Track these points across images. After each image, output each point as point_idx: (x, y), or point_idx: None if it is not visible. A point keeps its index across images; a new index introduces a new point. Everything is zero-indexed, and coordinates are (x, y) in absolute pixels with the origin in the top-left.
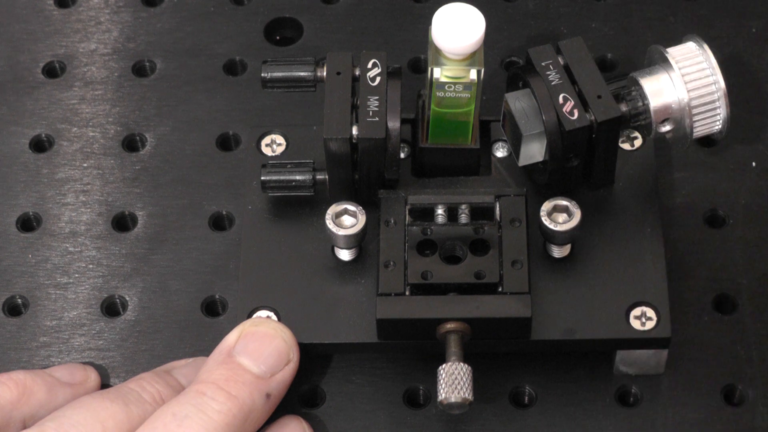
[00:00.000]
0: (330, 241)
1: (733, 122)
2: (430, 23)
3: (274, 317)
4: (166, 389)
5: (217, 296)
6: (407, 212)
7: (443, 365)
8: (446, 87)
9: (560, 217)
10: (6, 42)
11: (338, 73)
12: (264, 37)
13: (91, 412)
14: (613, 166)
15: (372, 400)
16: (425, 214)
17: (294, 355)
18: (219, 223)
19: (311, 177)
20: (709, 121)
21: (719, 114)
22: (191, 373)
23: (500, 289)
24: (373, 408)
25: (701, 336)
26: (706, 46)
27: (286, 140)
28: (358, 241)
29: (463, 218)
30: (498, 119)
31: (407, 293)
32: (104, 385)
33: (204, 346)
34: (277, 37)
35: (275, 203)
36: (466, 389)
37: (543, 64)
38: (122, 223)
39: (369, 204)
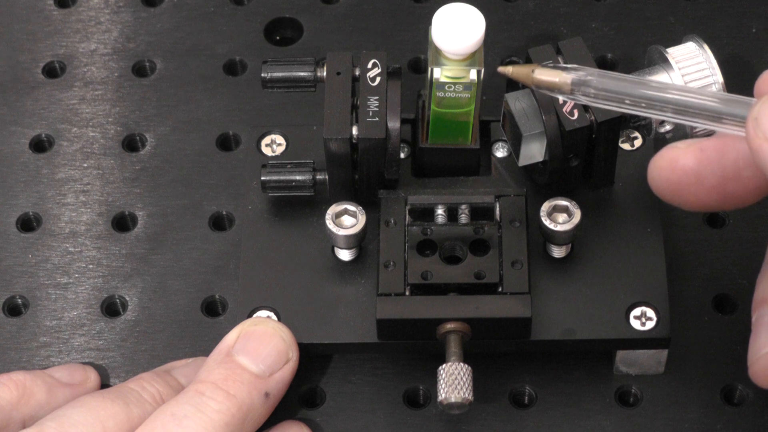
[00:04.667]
0: (330, 241)
1: None
2: (430, 23)
3: (274, 317)
4: (166, 389)
5: (217, 296)
6: (407, 212)
7: (443, 365)
8: (446, 87)
9: (560, 217)
10: (6, 42)
11: (338, 73)
12: (264, 37)
13: (92, 411)
14: (613, 166)
15: (372, 400)
16: (425, 214)
17: (293, 354)
18: (219, 223)
19: (311, 177)
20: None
21: None
22: (191, 373)
23: (500, 289)
24: (373, 408)
25: (701, 336)
26: (706, 46)
27: (286, 140)
28: (358, 241)
29: (463, 218)
30: (498, 119)
31: (407, 293)
32: (104, 385)
33: (204, 346)
34: (277, 37)
35: (275, 203)
36: (466, 389)
37: (543, 64)
38: (122, 223)
39: (369, 204)
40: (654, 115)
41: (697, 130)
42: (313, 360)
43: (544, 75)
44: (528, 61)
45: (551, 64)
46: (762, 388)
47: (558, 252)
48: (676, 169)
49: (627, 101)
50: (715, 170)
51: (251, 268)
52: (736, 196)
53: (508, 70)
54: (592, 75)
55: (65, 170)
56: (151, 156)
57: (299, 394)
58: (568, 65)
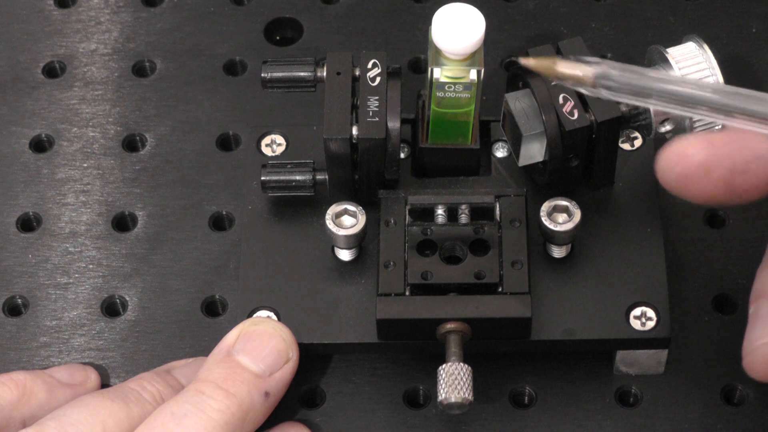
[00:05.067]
0: (330, 241)
1: None
2: (430, 23)
3: (274, 317)
4: (166, 389)
5: (217, 296)
6: (407, 212)
7: (443, 365)
8: (446, 87)
9: (560, 217)
10: (6, 42)
11: (338, 73)
12: (264, 37)
13: (92, 411)
14: (613, 166)
15: (372, 400)
16: (425, 214)
17: (293, 354)
18: (219, 223)
19: (311, 177)
20: (709, 121)
21: None
22: (191, 373)
23: (500, 289)
24: (373, 408)
25: (701, 336)
26: (706, 46)
27: (286, 140)
28: (358, 241)
29: (463, 218)
30: (498, 119)
31: (407, 293)
32: (104, 385)
33: (204, 346)
34: (277, 37)
35: (275, 203)
36: (466, 389)
37: (566, 57)
38: (122, 223)
39: (369, 204)
40: (672, 109)
41: (697, 127)
42: (313, 360)
43: (566, 68)
44: None
45: (574, 57)
46: (761, 385)
47: (558, 252)
48: (686, 160)
49: (650, 95)
50: (723, 163)
51: (251, 268)
52: (744, 191)
53: (530, 61)
54: (615, 68)
55: (65, 170)
56: (151, 156)
57: (299, 394)
58: (591, 58)
